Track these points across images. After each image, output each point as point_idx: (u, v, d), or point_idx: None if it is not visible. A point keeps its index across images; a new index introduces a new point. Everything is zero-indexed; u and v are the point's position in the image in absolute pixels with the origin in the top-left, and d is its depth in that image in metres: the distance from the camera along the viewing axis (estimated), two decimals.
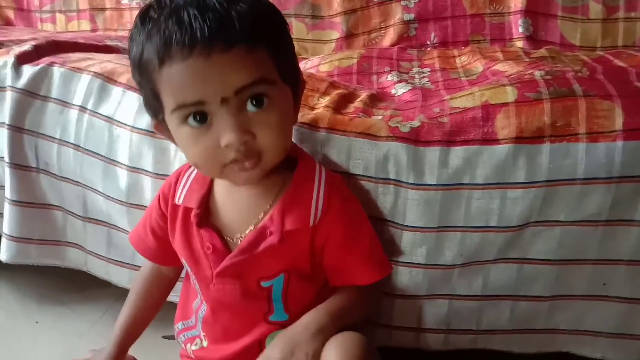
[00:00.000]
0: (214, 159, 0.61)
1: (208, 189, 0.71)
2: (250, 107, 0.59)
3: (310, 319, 0.65)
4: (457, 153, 0.72)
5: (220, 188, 0.71)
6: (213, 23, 0.55)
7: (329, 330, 0.64)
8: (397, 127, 0.75)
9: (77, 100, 0.89)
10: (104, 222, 0.93)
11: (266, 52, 0.59)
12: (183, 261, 0.73)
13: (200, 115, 0.59)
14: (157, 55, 0.57)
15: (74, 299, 1.07)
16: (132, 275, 0.93)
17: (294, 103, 0.66)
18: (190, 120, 0.60)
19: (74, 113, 0.89)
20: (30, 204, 0.95)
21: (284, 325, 0.68)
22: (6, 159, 0.92)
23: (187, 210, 0.70)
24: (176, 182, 0.73)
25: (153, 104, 0.63)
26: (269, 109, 0.60)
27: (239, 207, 0.69)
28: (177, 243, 0.72)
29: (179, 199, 0.71)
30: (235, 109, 0.59)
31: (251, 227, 0.68)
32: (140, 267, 0.88)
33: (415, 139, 0.74)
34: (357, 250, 0.70)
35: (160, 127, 0.67)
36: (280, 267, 0.68)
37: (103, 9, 1.50)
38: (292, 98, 0.65)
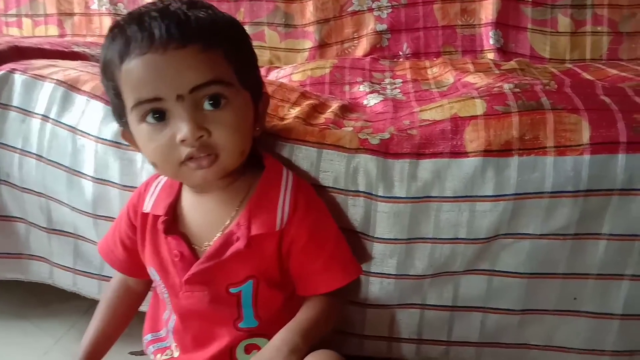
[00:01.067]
0: (171, 156, 0.62)
1: (176, 197, 0.71)
2: (207, 106, 0.61)
3: (281, 340, 0.64)
4: (426, 166, 0.72)
5: (188, 196, 0.71)
6: (171, 24, 0.59)
7: (301, 350, 0.63)
8: (367, 139, 0.75)
9: (40, 109, 0.87)
10: (70, 233, 0.90)
11: (223, 54, 0.62)
12: (152, 271, 0.72)
13: (159, 113, 0.61)
14: (118, 53, 0.61)
15: (38, 314, 1.04)
16: (101, 285, 0.91)
17: (254, 111, 0.68)
18: (149, 117, 0.62)
19: (36, 122, 0.87)
20: None
21: (252, 332, 0.69)
22: None
23: (155, 219, 0.71)
24: (145, 192, 0.74)
25: (117, 106, 0.66)
26: (225, 109, 0.62)
27: (206, 214, 0.70)
28: (147, 252, 0.72)
29: (147, 207, 0.72)
30: (192, 106, 0.60)
31: (218, 234, 0.68)
32: (109, 277, 0.86)
33: (384, 151, 0.73)
34: (323, 254, 0.69)
35: (126, 133, 0.68)
36: (248, 272, 0.67)
37: (71, 14, 1.46)
38: (252, 105, 0.67)
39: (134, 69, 0.60)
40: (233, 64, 0.63)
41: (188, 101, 0.60)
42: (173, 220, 0.70)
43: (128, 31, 0.60)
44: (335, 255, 0.70)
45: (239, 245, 0.66)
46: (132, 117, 0.63)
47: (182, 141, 0.60)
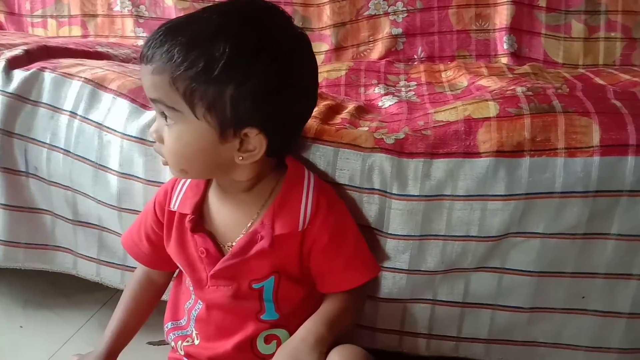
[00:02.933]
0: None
1: (202, 196, 0.74)
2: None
3: (307, 331, 0.67)
4: (440, 165, 0.74)
5: (213, 195, 0.74)
6: (153, 43, 0.63)
7: (326, 340, 0.66)
8: (382, 138, 0.77)
9: (68, 105, 0.90)
10: (95, 225, 0.94)
11: (168, 81, 0.62)
12: (179, 265, 0.75)
13: None
14: None
15: (60, 304, 1.07)
16: (124, 275, 0.94)
17: (221, 141, 0.65)
18: None
19: (64, 118, 0.90)
20: (19, 207, 0.95)
21: (274, 323, 0.73)
22: None
23: (181, 216, 0.74)
24: (171, 190, 0.76)
25: None
26: (170, 128, 0.66)
27: (231, 213, 0.72)
28: (172, 248, 0.75)
29: (174, 206, 0.74)
30: (159, 112, 0.66)
31: (243, 232, 0.71)
32: (132, 267, 0.90)
33: (399, 150, 0.76)
34: (343, 254, 0.72)
35: None
36: (271, 269, 0.70)
37: (95, 15, 1.50)
38: (217, 136, 0.64)
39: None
40: (181, 92, 0.62)
41: (156, 107, 0.66)
42: (199, 218, 0.73)
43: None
44: (354, 255, 0.73)
45: (263, 244, 0.68)
46: None
47: None
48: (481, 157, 0.73)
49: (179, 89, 0.62)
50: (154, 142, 0.69)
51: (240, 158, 0.66)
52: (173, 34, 0.63)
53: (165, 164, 0.69)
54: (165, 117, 0.65)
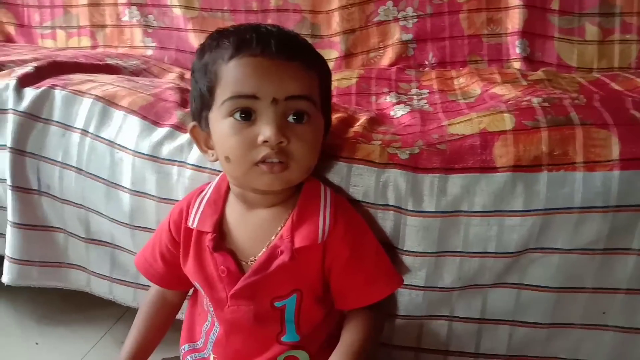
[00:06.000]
0: (248, 155, 0.65)
1: (221, 213, 0.73)
2: (290, 119, 0.66)
3: None
4: (456, 181, 0.73)
5: (233, 212, 0.73)
6: (284, 38, 0.67)
7: None
8: (397, 153, 0.76)
9: (79, 123, 0.90)
10: (108, 242, 0.93)
11: (317, 77, 0.68)
12: (196, 284, 0.74)
13: (246, 113, 0.65)
14: (231, 47, 0.66)
15: (74, 320, 1.07)
16: (137, 293, 0.94)
17: (324, 135, 0.72)
18: (237, 114, 0.65)
19: (75, 136, 0.90)
20: (32, 226, 0.95)
21: (294, 345, 0.71)
22: (8, 181, 0.93)
23: (199, 234, 0.73)
24: (187, 208, 0.75)
25: (203, 100, 0.69)
26: (307, 125, 0.67)
27: (252, 230, 0.71)
28: (190, 268, 0.74)
29: (193, 223, 0.73)
30: (281, 112, 0.65)
31: (264, 249, 0.70)
32: (144, 285, 0.90)
33: (414, 165, 0.74)
34: (365, 267, 0.71)
35: (195, 129, 0.73)
36: (293, 286, 0.69)
37: (103, 26, 1.50)
38: (324, 132, 0.72)
39: (242, 66, 0.65)
40: (322, 89, 0.69)
41: (280, 107, 0.64)
42: (219, 236, 0.72)
43: (245, 34, 0.66)
44: (377, 268, 0.72)
45: (283, 258, 0.68)
46: (218, 111, 0.66)
47: (264, 142, 0.64)
48: (498, 172, 0.72)
49: (320, 85, 0.68)
50: (281, 142, 0.64)
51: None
52: (282, 33, 0.68)
53: (282, 170, 0.65)
54: (298, 117, 0.65)
